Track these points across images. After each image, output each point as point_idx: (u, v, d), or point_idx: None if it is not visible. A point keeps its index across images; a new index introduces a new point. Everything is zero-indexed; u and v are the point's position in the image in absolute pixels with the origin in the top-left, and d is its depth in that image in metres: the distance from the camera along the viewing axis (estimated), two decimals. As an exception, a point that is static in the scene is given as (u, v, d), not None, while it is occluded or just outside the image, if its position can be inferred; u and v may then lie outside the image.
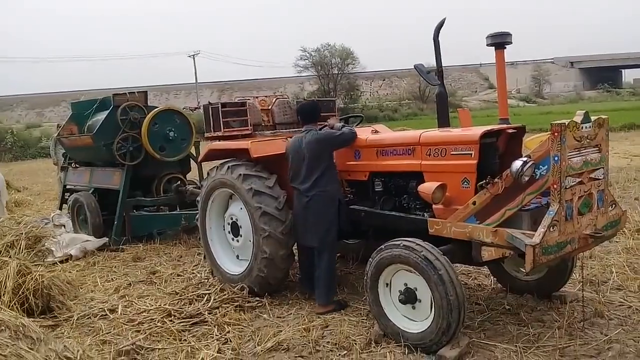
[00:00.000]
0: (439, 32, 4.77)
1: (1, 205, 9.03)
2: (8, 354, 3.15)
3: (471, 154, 4.00)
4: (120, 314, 4.99)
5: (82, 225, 8.44)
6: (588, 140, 3.71)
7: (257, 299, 5.16)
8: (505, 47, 4.49)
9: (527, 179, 3.68)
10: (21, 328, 3.64)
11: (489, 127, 4.16)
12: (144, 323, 4.72)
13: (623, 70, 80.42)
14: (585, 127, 3.68)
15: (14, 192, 14.26)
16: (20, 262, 5.15)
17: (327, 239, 4.84)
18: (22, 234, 6.05)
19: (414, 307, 3.96)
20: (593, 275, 5.26)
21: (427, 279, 3.72)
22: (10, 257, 5.41)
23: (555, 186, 3.53)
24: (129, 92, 8.33)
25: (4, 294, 4.81)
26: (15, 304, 4.79)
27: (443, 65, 4.91)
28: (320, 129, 4.99)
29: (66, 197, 9.40)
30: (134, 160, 7.93)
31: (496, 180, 3.84)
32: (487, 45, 4.52)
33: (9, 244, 5.83)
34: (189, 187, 8.32)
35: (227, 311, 4.90)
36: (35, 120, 58.40)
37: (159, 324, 4.66)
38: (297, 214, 4.96)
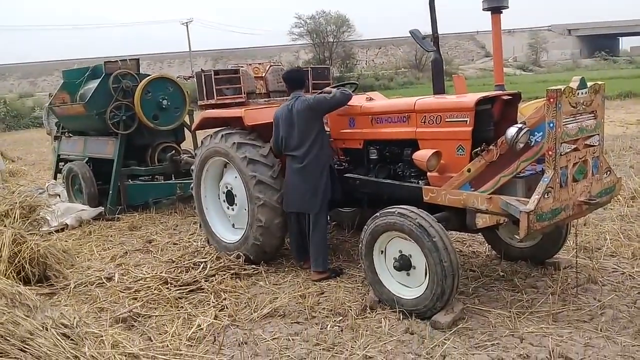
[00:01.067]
0: (434, -2, 4.69)
1: None
2: (4, 322, 3.17)
3: (466, 121, 3.98)
4: (117, 282, 5.02)
5: (77, 195, 8.43)
6: (584, 107, 3.69)
7: (253, 266, 5.19)
8: (501, 12, 4.42)
9: (521, 145, 3.67)
10: (17, 296, 3.67)
11: (484, 94, 4.12)
12: (140, 291, 4.75)
13: (620, 38, 79.74)
14: (581, 93, 3.65)
15: (8, 162, 14.18)
16: (15, 231, 5.15)
17: (322, 205, 4.85)
18: (16, 203, 6.04)
19: (408, 274, 3.99)
20: (587, 242, 5.30)
21: (422, 246, 3.74)
22: (5, 226, 5.41)
23: (550, 153, 3.52)
24: (120, 60, 8.21)
25: (-1, 263, 4.82)
26: (11, 272, 4.81)
27: (439, 32, 4.85)
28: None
29: (60, 167, 9.34)
30: (128, 129, 7.87)
31: (491, 147, 3.82)
32: (483, 9, 4.45)
33: (4, 213, 5.82)
34: (184, 157, 8.29)
35: (224, 279, 4.93)
36: (28, 90, 57.81)
37: (155, 292, 4.69)
38: (289, 181, 4.93)
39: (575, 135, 3.65)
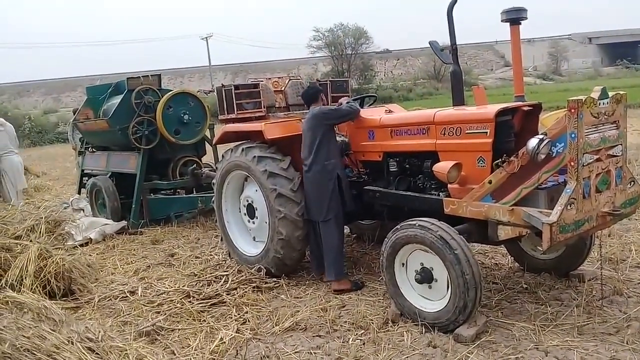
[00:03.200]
0: (452, 8, 4.70)
1: (15, 191, 9.08)
2: (31, 336, 3.23)
3: (487, 133, 3.97)
4: (140, 295, 5.06)
5: (101, 209, 8.55)
6: (605, 117, 3.66)
7: (274, 279, 5.20)
8: (520, 23, 4.43)
9: (543, 156, 3.64)
10: (43, 310, 3.74)
11: (504, 105, 4.11)
12: (163, 304, 4.79)
13: (643, 45, 78.64)
14: (603, 103, 3.63)
15: (33, 177, 14.44)
16: (40, 245, 5.24)
17: (327, 213, 4.89)
18: (42, 218, 6.14)
19: (430, 287, 3.97)
20: (612, 253, 5.22)
21: (443, 259, 3.72)
22: (31, 241, 5.50)
23: (572, 164, 3.49)
24: (142, 76, 8.35)
25: (25, 278, 4.90)
26: (37, 287, 4.88)
27: (458, 43, 4.86)
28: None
29: (84, 182, 9.49)
30: (150, 144, 7.98)
31: (512, 158, 3.80)
32: (502, 21, 4.46)
33: (30, 228, 5.92)
34: (205, 170, 8.37)
35: (245, 292, 4.95)
36: (52, 106, 58.89)
37: (178, 305, 4.73)
38: (304, 189, 5.04)
39: (597, 146, 3.62)
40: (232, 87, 5.67)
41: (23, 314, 3.63)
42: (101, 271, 6.02)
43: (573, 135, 3.45)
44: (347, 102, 5.08)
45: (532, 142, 3.61)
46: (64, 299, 5.03)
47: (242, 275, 5.26)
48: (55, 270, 5.02)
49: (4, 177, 9.02)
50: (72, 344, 3.18)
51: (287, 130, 5.25)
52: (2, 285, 4.80)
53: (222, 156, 5.74)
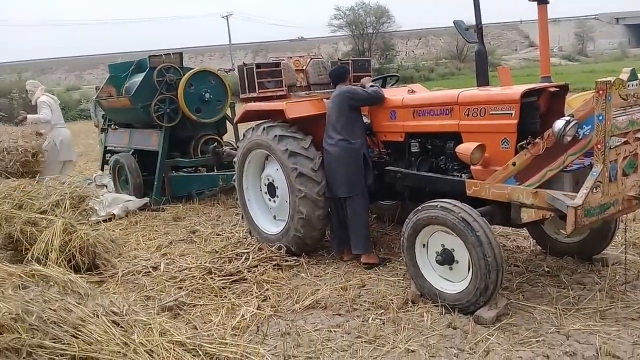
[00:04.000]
0: (479, -13, 4.62)
1: (58, 164, 8.94)
2: (57, 308, 3.28)
3: (511, 114, 3.91)
4: (163, 271, 5.13)
5: (123, 186, 8.65)
6: (634, 99, 3.58)
7: (295, 258, 5.25)
8: (547, 2, 4.35)
9: (569, 139, 3.59)
10: (69, 284, 3.79)
11: (530, 86, 4.05)
12: (185, 280, 4.86)
13: (672, 26, 76.57)
14: (632, 85, 3.55)
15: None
16: (65, 220, 5.32)
17: (354, 189, 4.92)
18: (66, 193, 6.21)
19: (451, 268, 3.97)
20: (636, 237, 5.15)
21: (465, 240, 3.71)
22: (56, 215, 5.59)
23: (599, 146, 3.43)
24: (164, 54, 8.36)
25: (51, 252, 4.98)
26: (62, 261, 4.96)
27: (482, 22, 4.77)
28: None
29: (107, 158, 9.60)
30: (171, 122, 8.02)
31: (537, 140, 3.75)
32: (529, 0, 4.36)
33: (55, 203, 5.99)
34: (226, 149, 8.40)
35: (266, 270, 5.00)
36: (74, 83, 59.41)
37: (200, 281, 4.79)
38: (326, 165, 5.06)
39: (625, 129, 3.55)
40: (254, 66, 5.66)
41: (49, 287, 3.68)
42: (124, 246, 6.11)
43: (600, 118, 3.39)
44: (372, 86, 5.05)
45: (559, 124, 3.56)
46: (89, 273, 5.12)
47: (263, 253, 5.30)
48: (79, 244, 5.09)
49: (53, 147, 8.93)
50: (98, 317, 3.23)
51: (309, 110, 5.24)
52: (28, 258, 4.90)
53: (243, 135, 5.75)
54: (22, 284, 3.83)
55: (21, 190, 5.96)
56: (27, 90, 9.50)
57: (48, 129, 8.67)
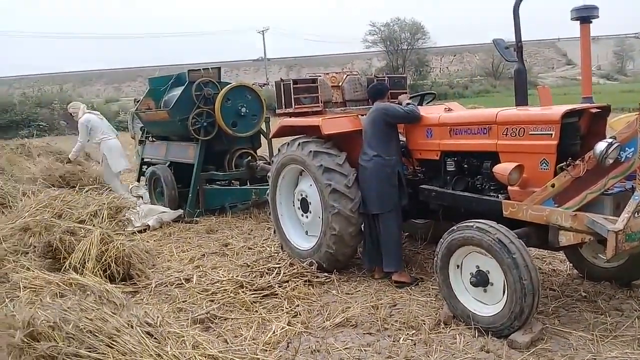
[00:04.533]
0: (519, 5, 4.59)
1: (113, 175, 9.30)
2: (93, 318, 3.35)
3: (551, 134, 3.85)
4: (195, 283, 5.18)
5: (159, 197, 8.79)
6: (679, 122, 3.48)
7: (326, 274, 5.23)
8: (591, 22, 4.28)
9: (611, 161, 3.52)
10: (105, 293, 3.87)
11: (571, 106, 3.98)
12: (217, 293, 4.88)
13: None
14: (677, 107, 3.45)
15: (94, 164, 14.94)
16: (103, 230, 5.43)
17: (388, 205, 4.91)
18: (104, 204, 6.36)
19: (485, 290, 3.90)
20: (678, 264, 4.98)
21: (501, 262, 3.64)
22: (94, 225, 5.72)
23: (642, 170, 3.35)
24: (203, 68, 8.51)
25: (88, 261, 5.09)
26: (98, 270, 5.06)
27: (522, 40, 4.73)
28: None
29: (143, 170, 9.78)
30: (208, 135, 8.14)
31: (577, 162, 3.68)
32: (572, 19, 4.32)
33: (93, 213, 6.14)
34: (260, 163, 8.47)
35: (297, 285, 4.99)
36: (113, 95, 60.86)
37: (231, 295, 4.81)
38: (360, 181, 5.06)
39: (669, 152, 3.45)
40: (291, 82, 5.71)
41: (86, 296, 3.77)
42: (158, 257, 6.19)
43: (644, 141, 3.31)
44: (408, 104, 5.05)
45: (600, 146, 3.49)
46: (123, 283, 5.20)
47: (294, 269, 5.30)
48: (115, 255, 5.20)
49: (104, 159, 9.30)
50: (132, 327, 3.28)
51: (344, 126, 5.25)
52: (66, 267, 5.02)
53: (278, 150, 5.79)
54: (59, 292, 3.93)
55: (61, 200, 6.13)
56: (70, 114, 9.82)
57: (95, 146, 9.00)
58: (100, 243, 5.23)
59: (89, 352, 3.06)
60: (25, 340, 3.06)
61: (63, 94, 41.35)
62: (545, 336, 3.77)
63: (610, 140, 3.53)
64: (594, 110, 4.08)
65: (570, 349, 3.61)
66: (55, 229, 5.48)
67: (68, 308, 3.40)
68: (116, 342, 3.14)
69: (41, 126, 33.32)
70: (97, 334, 3.19)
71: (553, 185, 3.77)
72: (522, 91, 4.73)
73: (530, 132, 3.99)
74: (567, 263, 5.08)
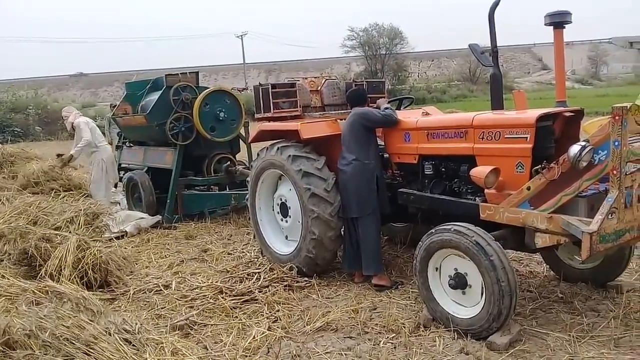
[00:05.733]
0: (494, 11, 4.65)
1: (106, 184, 8.79)
2: (70, 325, 3.30)
3: (526, 138, 3.91)
4: (174, 289, 5.13)
5: (136, 203, 8.70)
6: (651, 125, 3.56)
7: (306, 279, 5.23)
8: (564, 27, 4.36)
9: (585, 164, 3.57)
10: (82, 301, 3.81)
11: (545, 110, 4.05)
12: (196, 299, 4.86)
13: (687, 50, 76.24)
14: (648, 111, 3.53)
15: (71, 170, 14.73)
16: (79, 237, 5.36)
17: (366, 209, 4.93)
18: (80, 210, 6.28)
19: (464, 293, 3.94)
20: (651, 264, 5.09)
21: (478, 265, 3.68)
22: (70, 232, 5.63)
23: (614, 172, 3.42)
24: (181, 73, 8.45)
25: (64, 268, 5.01)
26: (75, 277, 4.99)
27: (497, 45, 4.80)
28: None
29: (121, 176, 9.66)
30: (186, 140, 8.08)
31: (552, 165, 3.74)
32: (546, 24, 4.39)
33: (69, 219, 6.05)
34: (239, 168, 8.45)
35: (277, 290, 4.99)
36: (90, 100, 60.17)
37: (211, 300, 4.79)
38: (340, 186, 5.07)
39: (641, 155, 3.53)
40: (269, 86, 5.71)
41: (63, 304, 3.71)
42: (136, 264, 6.12)
43: (617, 143, 3.38)
44: (386, 108, 5.08)
45: (574, 149, 3.55)
46: (101, 290, 5.13)
47: (274, 274, 5.30)
48: (92, 261, 5.12)
49: (103, 168, 8.71)
50: (110, 335, 3.24)
51: (323, 130, 5.27)
52: (42, 274, 4.94)
53: (257, 154, 5.79)
54: (35, 300, 3.86)
55: (36, 207, 6.03)
56: (62, 117, 9.42)
57: (92, 150, 8.71)
58: (77, 250, 5.15)
59: (66, 359, 3.02)
60: (1, 348, 3.01)
61: (38, 99, 40.74)
62: (523, 337, 3.82)
63: (583, 143, 3.59)
64: (567, 114, 4.15)
65: (547, 349, 3.66)
66: (30, 236, 5.39)
67: (44, 316, 3.35)
68: (93, 350, 3.10)
69: (16, 132, 32.79)
70: (74, 342, 3.15)
71: (529, 188, 3.82)
72: (497, 95, 4.80)
73: (505, 136, 4.04)
74: (544, 265, 5.15)
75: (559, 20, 4.28)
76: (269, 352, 3.86)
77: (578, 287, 4.64)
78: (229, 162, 8.55)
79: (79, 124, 8.70)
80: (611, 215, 3.45)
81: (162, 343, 3.24)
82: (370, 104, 5.46)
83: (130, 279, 5.50)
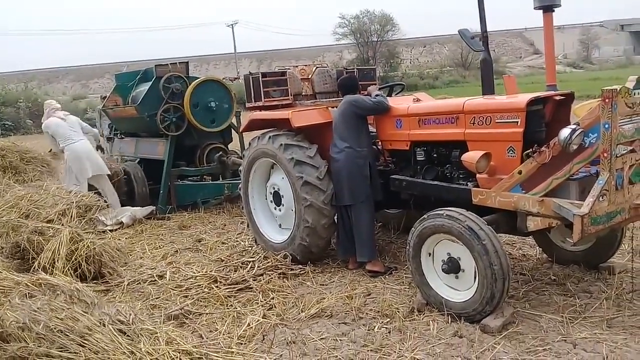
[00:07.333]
0: (484, -4, 4.64)
1: (71, 176, 8.05)
2: (64, 317, 3.30)
3: (517, 122, 3.91)
4: (169, 280, 5.14)
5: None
6: (640, 107, 3.58)
7: (300, 266, 5.25)
8: (553, 10, 4.35)
9: (575, 147, 3.59)
10: (75, 292, 3.81)
11: (536, 94, 4.05)
12: (191, 289, 4.86)
13: (677, 33, 76.39)
14: (638, 93, 3.55)
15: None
16: (72, 229, 5.34)
17: (360, 196, 4.94)
18: (72, 202, 6.26)
19: (457, 277, 3.96)
20: (643, 245, 5.13)
21: (471, 249, 3.70)
22: (62, 224, 5.62)
23: (605, 154, 3.43)
24: (170, 63, 8.41)
25: (57, 260, 5.00)
26: (68, 269, 4.98)
27: (487, 30, 4.79)
28: None
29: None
30: (177, 131, 8.06)
31: (543, 148, 3.74)
32: (535, 8, 4.39)
33: (61, 212, 6.04)
34: (231, 157, 8.43)
35: (271, 278, 5.00)
36: (80, 92, 59.69)
37: (205, 290, 4.80)
38: (333, 174, 5.07)
39: (631, 137, 3.56)
40: (260, 75, 5.68)
41: (56, 296, 3.70)
42: (130, 255, 6.12)
43: (607, 126, 3.39)
44: (377, 95, 5.07)
45: (565, 132, 3.56)
46: (95, 282, 5.13)
47: (268, 262, 5.30)
48: (86, 253, 5.11)
49: (70, 168, 8.10)
50: (104, 325, 3.24)
51: (314, 118, 5.26)
52: (35, 267, 4.93)
53: (249, 144, 5.77)
54: (29, 293, 3.85)
55: (28, 200, 6.00)
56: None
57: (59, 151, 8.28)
58: (70, 242, 5.14)
59: (61, 351, 3.02)
60: (-5, 342, 3.01)
61: (28, 92, 40.42)
62: (517, 320, 3.85)
63: (574, 126, 3.60)
64: (558, 98, 4.16)
65: (541, 331, 3.70)
66: (22, 229, 5.37)
67: (38, 308, 3.35)
68: (88, 341, 3.10)
69: (6, 125, 32.56)
70: (68, 334, 3.15)
71: (520, 172, 3.83)
72: (488, 80, 4.79)
73: (496, 121, 4.05)
74: (537, 248, 5.18)
75: (548, 4, 4.28)
76: (264, 339, 3.88)
77: (570, 269, 4.68)
78: (221, 152, 8.53)
79: (46, 129, 8.13)
80: (602, 198, 3.47)
81: (157, 333, 3.25)
82: (362, 92, 5.45)
83: (124, 270, 5.50)
